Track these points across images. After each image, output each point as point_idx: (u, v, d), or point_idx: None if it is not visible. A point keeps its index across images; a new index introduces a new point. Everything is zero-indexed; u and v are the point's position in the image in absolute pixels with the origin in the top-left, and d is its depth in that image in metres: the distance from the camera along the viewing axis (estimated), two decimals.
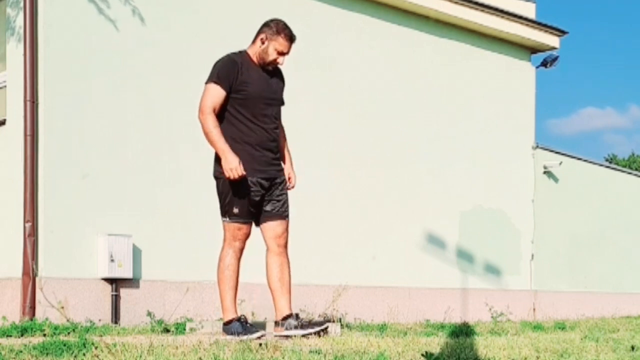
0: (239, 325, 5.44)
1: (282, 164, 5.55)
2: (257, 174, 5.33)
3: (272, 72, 5.47)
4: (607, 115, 72.32)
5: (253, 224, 5.47)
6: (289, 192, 5.62)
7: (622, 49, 76.81)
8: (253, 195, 5.34)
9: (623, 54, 75.57)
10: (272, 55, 5.42)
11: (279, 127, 5.46)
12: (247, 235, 5.44)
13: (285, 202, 5.50)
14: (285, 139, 5.58)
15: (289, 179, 5.59)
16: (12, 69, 7.49)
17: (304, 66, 9.24)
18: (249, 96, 5.29)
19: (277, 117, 5.43)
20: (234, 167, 5.24)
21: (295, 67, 9.17)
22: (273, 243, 5.49)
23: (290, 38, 5.46)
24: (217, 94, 5.28)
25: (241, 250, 5.50)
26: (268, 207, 5.43)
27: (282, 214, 5.46)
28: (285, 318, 5.58)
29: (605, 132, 72.03)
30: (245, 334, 5.28)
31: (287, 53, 5.46)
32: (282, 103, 5.48)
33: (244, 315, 5.64)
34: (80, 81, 7.47)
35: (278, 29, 5.51)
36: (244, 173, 5.23)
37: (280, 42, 5.44)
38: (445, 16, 10.45)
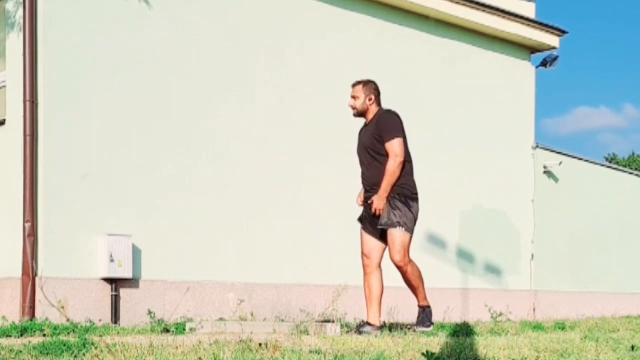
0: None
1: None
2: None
3: (370, 124, 6.50)
4: (601, 115, 72.28)
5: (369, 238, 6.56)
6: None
7: (618, 48, 76.81)
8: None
9: (620, 54, 75.58)
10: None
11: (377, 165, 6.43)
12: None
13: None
14: (385, 174, 6.34)
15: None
16: (12, 69, 7.48)
17: (304, 66, 9.25)
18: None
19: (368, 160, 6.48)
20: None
21: (297, 67, 9.19)
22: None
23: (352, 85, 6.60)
24: None
25: None
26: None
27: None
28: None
29: (600, 131, 72.00)
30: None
31: (352, 96, 6.53)
32: (370, 148, 6.43)
33: None
34: (80, 81, 7.47)
35: None
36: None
37: None
38: (445, 16, 10.44)
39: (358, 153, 6.61)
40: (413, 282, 6.57)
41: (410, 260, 6.44)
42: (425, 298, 6.73)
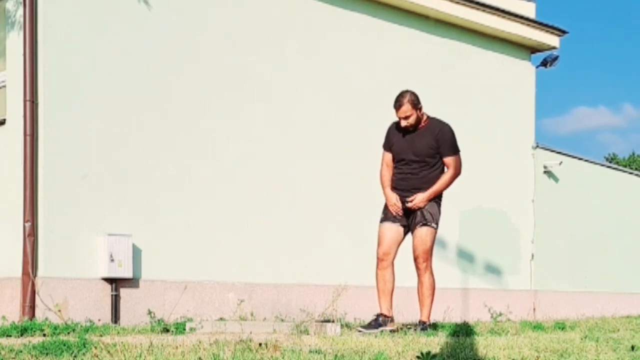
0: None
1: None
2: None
3: (423, 131, 6.60)
4: (601, 115, 72.19)
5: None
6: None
7: (618, 48, 76.76)
8: None
9: (619, 54, 75.52)
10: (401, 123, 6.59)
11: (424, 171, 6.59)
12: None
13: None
14: (441, 182, 6.61)
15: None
16: (12, 69, 7.48)
17: (304, 66, 9.25)
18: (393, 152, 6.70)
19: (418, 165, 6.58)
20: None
21: (297, 67, 9.19)
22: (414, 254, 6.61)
23: (395, 107, 6.53)
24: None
25: None
26: None
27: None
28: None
29: (600, 131, 71.92)
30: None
31: (404, 117, 6.51)
32: (426, 156, 6.56)
33: None
34: (80, 81, 7.47)
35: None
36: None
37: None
38: (445, 16, 10.44)
39: (401, 154, 6.63)
40: (424, 290, 6.64)
41: (431, 268, 6.61)
42: (428, 316, 6.70)
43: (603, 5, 79.36)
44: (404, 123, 6.54)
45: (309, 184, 9.19)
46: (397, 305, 8.37)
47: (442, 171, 6.68)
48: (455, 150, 6.66)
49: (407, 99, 6.47)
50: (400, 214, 6.57)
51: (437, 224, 6.57)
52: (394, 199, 6.57)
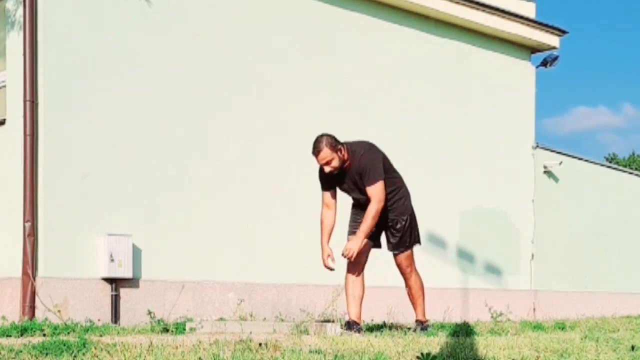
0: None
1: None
2: None
3: (353, 166, 6.19)
4: (600, 115, 72.13)
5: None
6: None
7: (618, 48, 76.71)
8: None
9: (619, 54, 75.47)
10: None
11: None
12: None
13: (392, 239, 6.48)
14: (366, 218, 6.18)
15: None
16: (12, 69, 7.48)
17: (305, 66, 9.25)
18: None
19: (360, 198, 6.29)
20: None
21: (297, 67, 9.19)
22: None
23: (313, 154, 6.18)
24: None
25: None
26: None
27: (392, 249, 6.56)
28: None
29: (600, 131, 71.86)
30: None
31: (325, 163, 6.12)
32: (359, 190, 6.23)
33: None
34: (80, 81, 7.47)
35: None
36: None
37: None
38: (445, 16, 10.44)
39: (349, 194, 6.38)
40: (414, 292, 6.66)
41: (415, 270, 6.59)
42: (423, 314, 6.72)
43: (603, 5, 79.35)
44: (327, 169, 6.12)
45: (309, 184, 9.16)
46: (397, 305, 8.39)
47: (398, 186, 6.37)
48: (373, 178, 6.12)
49: (325, 142, 6.06)
50: (332, 269, 6.38)
51: (413, 241, 6.45)
52: (325, 255, 6.33)
